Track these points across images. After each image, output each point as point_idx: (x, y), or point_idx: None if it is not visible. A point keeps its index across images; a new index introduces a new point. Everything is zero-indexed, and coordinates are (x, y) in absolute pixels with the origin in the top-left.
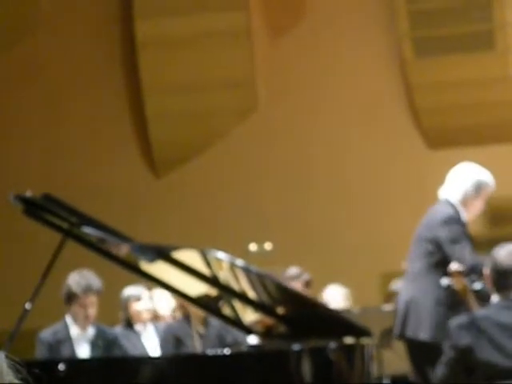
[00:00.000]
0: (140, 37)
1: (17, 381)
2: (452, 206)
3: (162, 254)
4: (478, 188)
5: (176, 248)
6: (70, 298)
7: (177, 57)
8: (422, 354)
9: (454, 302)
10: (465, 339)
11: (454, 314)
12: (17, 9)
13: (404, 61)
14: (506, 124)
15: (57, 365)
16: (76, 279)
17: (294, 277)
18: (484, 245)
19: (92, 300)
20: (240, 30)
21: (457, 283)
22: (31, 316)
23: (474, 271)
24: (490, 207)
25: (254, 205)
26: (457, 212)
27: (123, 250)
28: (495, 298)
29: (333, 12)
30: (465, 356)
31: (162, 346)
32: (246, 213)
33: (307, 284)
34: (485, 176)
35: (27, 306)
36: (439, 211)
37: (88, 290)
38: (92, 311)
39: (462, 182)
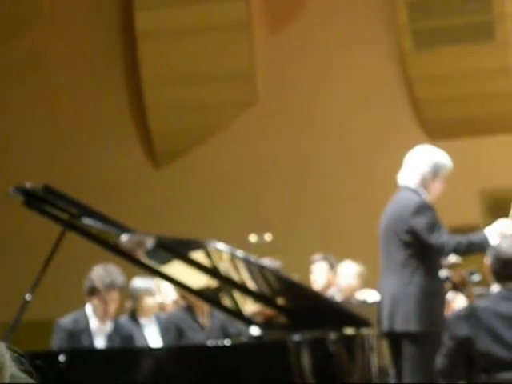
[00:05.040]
0: (140, 28)
1: (20, 372)
2: (415, 192)
3: (163, 245)
4: (436, 170)
5: (176, 239)
6: (92, 291)
7: (177, 48)
8: (413, 346)
9: (437, 290)
10: (464, 330)
11: (440, 303)
12: (18, 1)
13: (403, 53)
14: (506, 115)
15: (58, 356)
16: (100, 274)
17: None
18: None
19: (114, 297)
20: (240, 21)
21: (455, 275)
22: (36, 307)
23: (458, 250)
24: (489, 198)
25: (253, 196)
26: (422, 197)
27: (139, 250)
28: (495, 289)
29: (332, 4)
30: (464, 347)
31: (163, 337)
32: (245, 204)
33: None
34: (442, 157)
35: (27, 297)
36: (408, 200)
37: (111, 286)
38: (112, 307)
39: (419, 165)
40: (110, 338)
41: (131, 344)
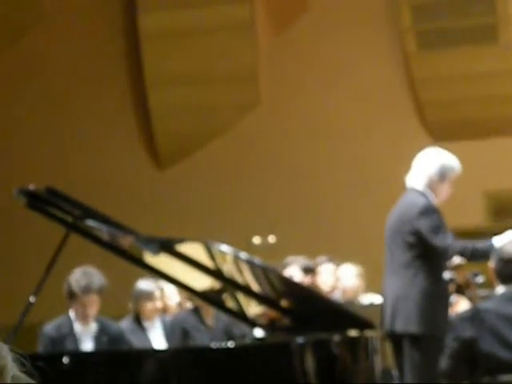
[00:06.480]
0: (143, 29)
1: (21, 374)
2: (421, 194)
3: (167, 246)
4: (443, 173)
5: (180, 241)
6: (70, 295)
7: (180, 49)
8: (413, 347)
9: (441, 293)
10: (468, 331)
11: (442, 305)
12: (20, 3)
13: (407, 54)
14: (510, 117)
15: (61, 358)
16: (77, 277)
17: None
18: (487, 238)
19: (91, 300)
20: (244, 22)
21: (459, 277)
22: (35, 310)
23: (462, 255)
24: (493, 200)
25: (257, 198)
26: (428, 199)
27: (127, 241)
28: (500, 290)
29: (336, 5)
30: (468, 348)
31: (169, 338)
32: (249, 206)
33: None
34: (449, 160)
35: (31, 299)
36: (414, 202)
37: (87, 289)
38: (91, 310)
39: (426, 168)
40: (96, 339)
41: (120, 343)
